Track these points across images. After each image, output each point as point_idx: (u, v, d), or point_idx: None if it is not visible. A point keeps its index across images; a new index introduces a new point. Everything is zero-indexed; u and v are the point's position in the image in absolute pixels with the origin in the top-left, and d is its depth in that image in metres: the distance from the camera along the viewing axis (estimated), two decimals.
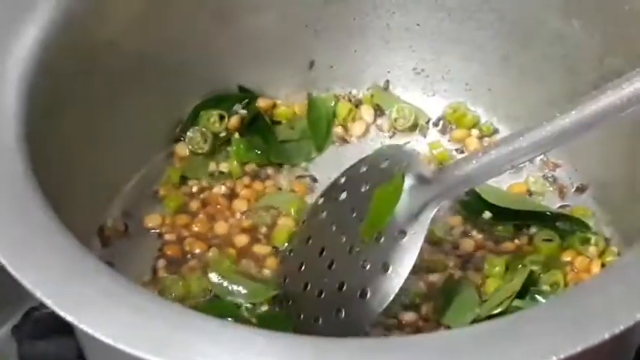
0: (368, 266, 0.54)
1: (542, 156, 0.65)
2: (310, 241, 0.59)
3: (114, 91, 0.60)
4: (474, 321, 0.56)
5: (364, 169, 0.58)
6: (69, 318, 0.39)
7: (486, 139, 0.68)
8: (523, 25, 0.64)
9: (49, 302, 0.40)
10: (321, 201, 0.60)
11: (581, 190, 0.64)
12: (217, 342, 0.39)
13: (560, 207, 0.63)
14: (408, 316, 0.57)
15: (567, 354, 0.37)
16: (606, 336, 0.38)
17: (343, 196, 0.58)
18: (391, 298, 0.53)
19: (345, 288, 0.54)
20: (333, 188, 0.60)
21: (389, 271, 0.53)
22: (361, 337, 0.51)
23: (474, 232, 0.62)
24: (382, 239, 0.54)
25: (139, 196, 0.64)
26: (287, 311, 0.57)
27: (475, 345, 0.38)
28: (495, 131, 0.68)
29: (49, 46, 0.52)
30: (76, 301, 0.40)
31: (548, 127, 0.48)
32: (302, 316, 0.56)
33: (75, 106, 0.56)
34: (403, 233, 0.53)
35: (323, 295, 0.56)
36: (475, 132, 0.68)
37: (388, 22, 0.67)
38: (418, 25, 0.67)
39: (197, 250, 0.61)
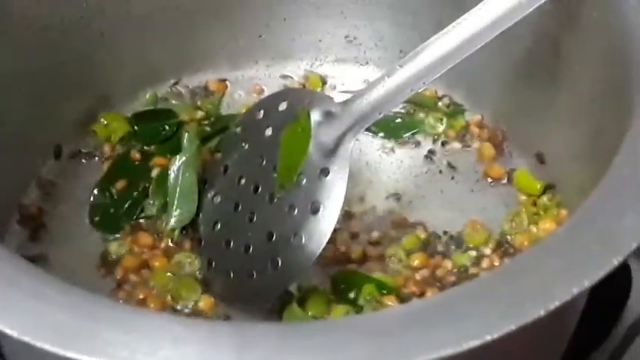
0: (296, 211, 0.53)
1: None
2: (220, 200, 0.57)
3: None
4: None
5: (260, 115, 0.57)
6: None
7: None
8: None
9: None
10: (223, 159, 0.58)
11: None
12: (129, 330, 0.36)
13: None
14: None
15: (501, 333, 0.35)
16: (542, 312, 0.36)
17: (245, 146, 0.57)
18: (328, 237, 0.51)
19: (275, 237, 0.53)
20: (232, 140, 0.58)
21: (320, 211, 0.52)
22: (280, 322, 0.51)
23: None
24: (304, 181, 0.53)
25: None
26: (214, 274, 0.56)
27: (406, 326, 0.36)
28: None
29: None
30: None
31: (442, 45, 0.51)
32: (232, 275, 0.55)
33: None
34: (325, 171, 0.53)
35: (251, 250, 0.54)
36: None
37: None
38: None
39: None
